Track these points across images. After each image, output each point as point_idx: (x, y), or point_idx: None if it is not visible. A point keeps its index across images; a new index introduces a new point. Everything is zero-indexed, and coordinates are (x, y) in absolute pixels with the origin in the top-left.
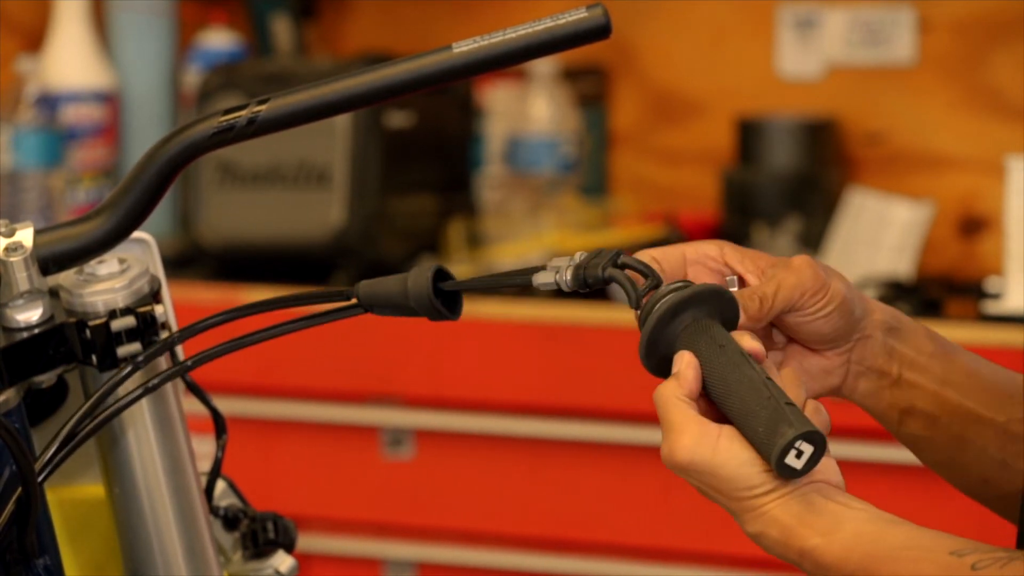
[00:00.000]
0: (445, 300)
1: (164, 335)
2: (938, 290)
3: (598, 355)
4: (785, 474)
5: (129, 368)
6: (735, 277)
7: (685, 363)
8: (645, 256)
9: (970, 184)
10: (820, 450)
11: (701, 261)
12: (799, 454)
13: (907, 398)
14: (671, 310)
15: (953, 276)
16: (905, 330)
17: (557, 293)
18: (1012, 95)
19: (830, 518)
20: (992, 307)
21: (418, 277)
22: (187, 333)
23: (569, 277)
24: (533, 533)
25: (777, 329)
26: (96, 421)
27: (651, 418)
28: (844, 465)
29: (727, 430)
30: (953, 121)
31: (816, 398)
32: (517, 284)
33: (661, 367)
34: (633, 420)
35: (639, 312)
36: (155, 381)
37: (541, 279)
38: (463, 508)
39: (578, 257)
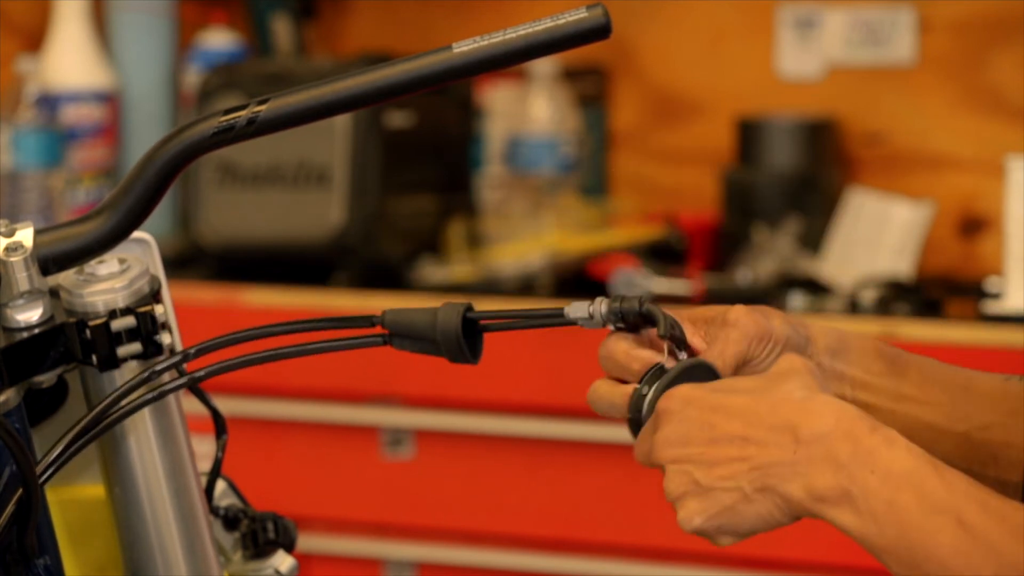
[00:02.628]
0: (469, 341)
1: (164, 335)
2: (938, 290)
3: (598, 355)
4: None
5: (145, 375)
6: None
7: None
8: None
9: (970, 184)
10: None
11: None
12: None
13: None
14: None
15: (953, 276)
16: (851, 351)
17: (557, 291)
18: (1012, 95)
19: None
20: (992, 307)
21: (448, 311)
22: (204, 350)
23: (605, 310)
24: (533, 533)
25: None
26: (101, 425)
27: None
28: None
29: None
30: (953, 121)
31: None
32: (549, 323)
33: None
34: None
35: (629, 416)
36: (166, 387)
37: (574, 313)
38: (463, 508)
39: (601, 303)
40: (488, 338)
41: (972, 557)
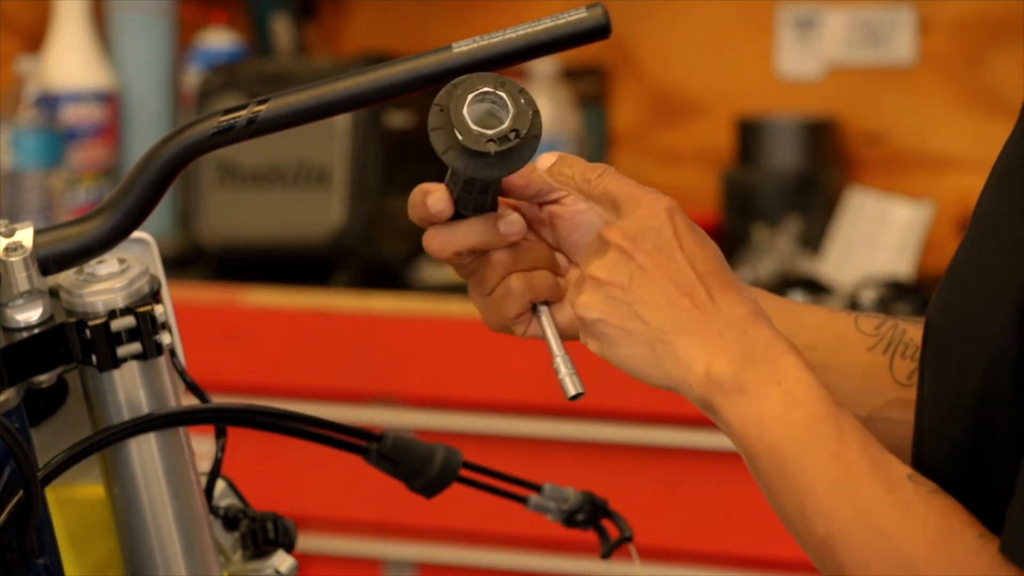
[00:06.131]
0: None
1: (164, 335)
2: None
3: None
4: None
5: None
6: None
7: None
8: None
9: (970, 184)
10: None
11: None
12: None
13: None
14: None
15: None
16: None
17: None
18: (1012, 95)
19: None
20: None
21: (453, 457)
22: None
23: (562, 512)
24: (534, 533)
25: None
26: (106, 435)
27: (652, 418)
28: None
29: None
30: (953, 121)
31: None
32: (517, 499)
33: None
34: (633, 420)
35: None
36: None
37: (537, 504)
38: (463, 508)
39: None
40: (488, 338)
41: (837, 490)
